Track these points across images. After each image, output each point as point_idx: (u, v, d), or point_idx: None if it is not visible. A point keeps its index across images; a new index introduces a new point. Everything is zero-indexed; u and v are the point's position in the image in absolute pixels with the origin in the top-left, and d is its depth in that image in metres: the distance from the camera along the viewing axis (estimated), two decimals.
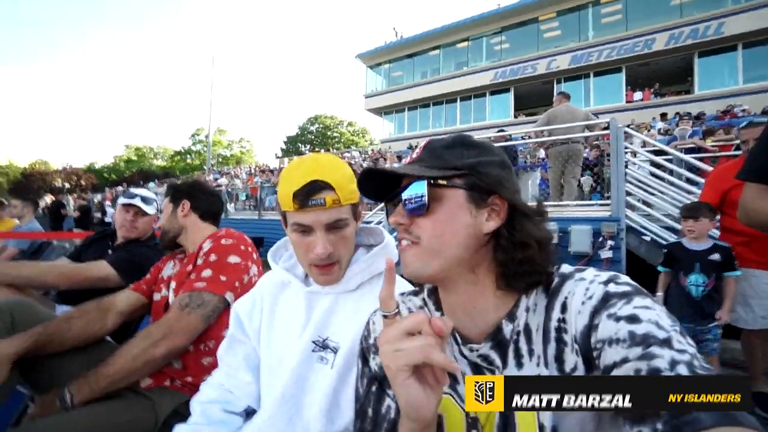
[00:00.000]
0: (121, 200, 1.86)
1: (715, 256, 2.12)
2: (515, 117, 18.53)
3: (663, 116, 11.25)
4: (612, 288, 0.49)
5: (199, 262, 1.23)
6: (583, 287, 0.52)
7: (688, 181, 4.61)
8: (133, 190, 1.92)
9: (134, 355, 1.06)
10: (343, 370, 0.79)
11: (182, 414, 0.98)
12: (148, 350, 1.07)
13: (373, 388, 0.65)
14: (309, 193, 0.76)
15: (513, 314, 0.56)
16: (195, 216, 1.42)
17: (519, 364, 0.55)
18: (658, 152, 4.85)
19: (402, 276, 0.65)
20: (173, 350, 1.11)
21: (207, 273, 1.18)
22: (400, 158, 10.15)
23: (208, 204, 1.45)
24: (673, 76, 16.02)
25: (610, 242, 3.75)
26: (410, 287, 0.79)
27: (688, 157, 4.60)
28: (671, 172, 4.79)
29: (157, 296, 1.36)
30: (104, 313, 1.27)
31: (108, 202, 14.88)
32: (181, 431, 0.86)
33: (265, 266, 1.09)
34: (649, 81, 16.06)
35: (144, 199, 1.85)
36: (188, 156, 42.41)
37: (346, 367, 0.79)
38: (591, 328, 0.48)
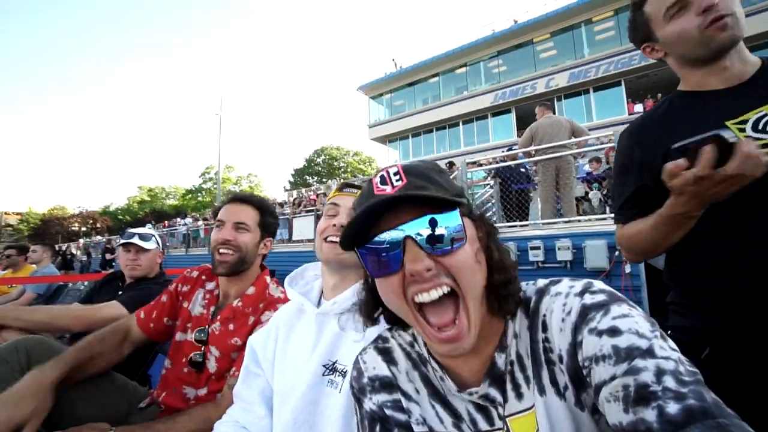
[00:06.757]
0: (120, 241, 1.98)
1: None
2: (519, 136, 18.63)
3: None
4: (588, 299, 0.49)
5: None
6: (560, 303, 0.51)
7: None
8: (130, 230, 2.04)
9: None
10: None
11: None
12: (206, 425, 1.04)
13: (377, 428, 0.60)
14: (348, 185, 0.96)
15: (503, 344, 0.54)
16: (261, 258, 1.36)
17: (519, 396, 0.53)
18: None
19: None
20: None
21: None
22: None
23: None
24: (673, 86, 15.90)
25: None
26: None
27: None
28: None
29: (180, 336, 1.28)
30: (120, 343, 1.26)
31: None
32: None
33: None
34: (650, 92, 16.17)
35: (141, 237, 1.95)
36: (199, 194, 43.28)
37: None
38: (575, 345, 0.47)
